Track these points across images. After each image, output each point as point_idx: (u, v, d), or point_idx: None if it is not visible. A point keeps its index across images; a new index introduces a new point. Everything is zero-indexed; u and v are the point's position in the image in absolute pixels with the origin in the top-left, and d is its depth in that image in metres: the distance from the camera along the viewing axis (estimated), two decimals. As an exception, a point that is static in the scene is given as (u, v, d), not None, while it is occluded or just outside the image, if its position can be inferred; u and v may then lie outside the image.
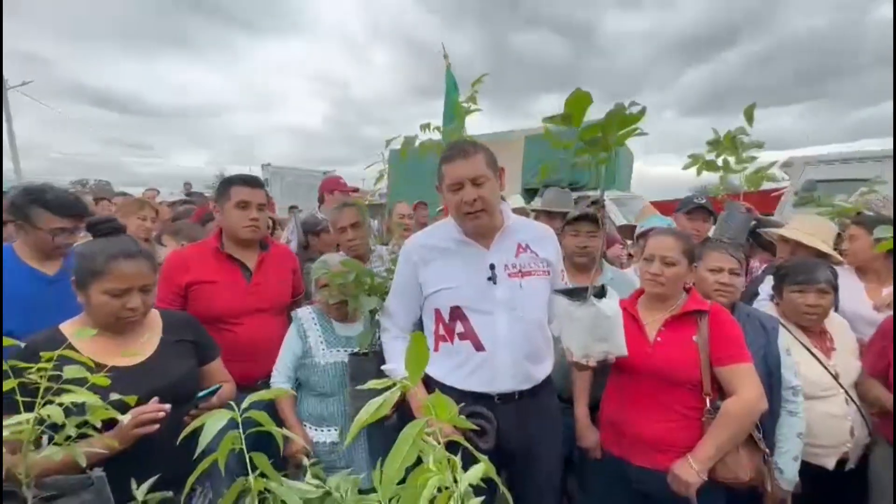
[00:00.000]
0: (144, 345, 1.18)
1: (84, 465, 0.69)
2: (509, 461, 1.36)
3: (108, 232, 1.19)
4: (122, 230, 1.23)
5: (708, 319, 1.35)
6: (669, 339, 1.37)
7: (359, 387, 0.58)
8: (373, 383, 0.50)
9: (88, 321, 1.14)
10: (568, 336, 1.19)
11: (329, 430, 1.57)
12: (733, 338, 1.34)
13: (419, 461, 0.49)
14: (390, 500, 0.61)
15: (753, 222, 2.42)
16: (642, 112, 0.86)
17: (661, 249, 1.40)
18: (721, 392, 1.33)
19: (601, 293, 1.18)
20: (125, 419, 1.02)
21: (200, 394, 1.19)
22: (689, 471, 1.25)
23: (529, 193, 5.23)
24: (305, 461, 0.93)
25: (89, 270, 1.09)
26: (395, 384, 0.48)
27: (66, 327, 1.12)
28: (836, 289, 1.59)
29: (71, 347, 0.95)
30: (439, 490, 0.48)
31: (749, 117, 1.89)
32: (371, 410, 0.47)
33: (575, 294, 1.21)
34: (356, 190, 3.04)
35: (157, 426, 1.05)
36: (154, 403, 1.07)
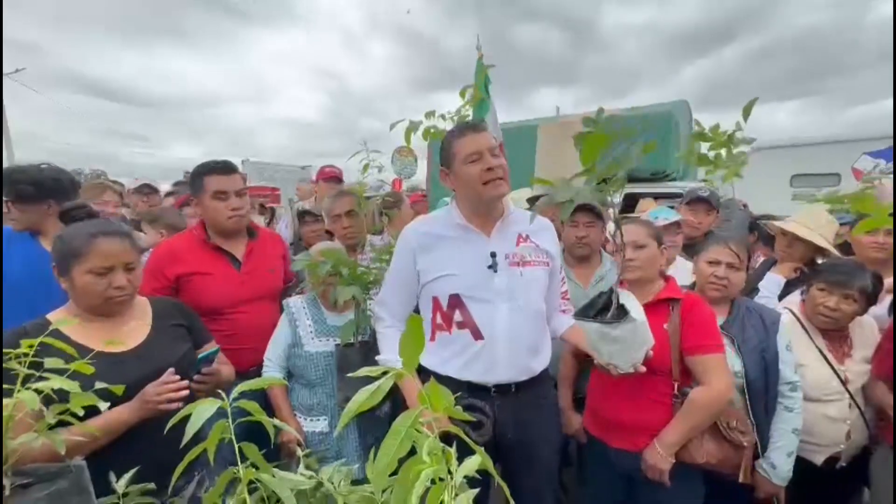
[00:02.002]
0: (135, 331, 1.15)
1: (63, 452, 0.68)
2: (506, 454, 1.36)
3: (81, 218, 1.16)
4: (95, 215, 1.20)
5: (679, 308, 1.37)
6: None
7: (349, 374, 0.57)
8: (365, 370, 0.47)
9: (75, 309, 1.11)
10: (609, 354, 1.19)
11: (319, 420, 1.56)
12: (705, 327, 1.35)
13: (413, 452, 0.48)
14: (383, 492, 0.60)
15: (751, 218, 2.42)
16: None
17: (630, 236, 1.43)
18: (688, 378, 1.35)
19: (609, 298, 1.17)
20: (149, 387, 1.05)
21: (201, 355, 1.17)
22: (658, 456, 1.30)
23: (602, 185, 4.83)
24: (299, 451, 0.91)
25: (69, 252, 1.06)
26: (387, 372, 0.46)
27: (54, 316, 1.10)
28: (870, 298, 1.53)
29: (58, 335, 0.92)
30: (434, 482, 0.46)
31: (747, 114, 1.90)
32: (362, 399, 0.45)
33: (588, 311, 1.22)
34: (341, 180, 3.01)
35: (178, 404, 1.05)
36: (171, 377, 1.07)
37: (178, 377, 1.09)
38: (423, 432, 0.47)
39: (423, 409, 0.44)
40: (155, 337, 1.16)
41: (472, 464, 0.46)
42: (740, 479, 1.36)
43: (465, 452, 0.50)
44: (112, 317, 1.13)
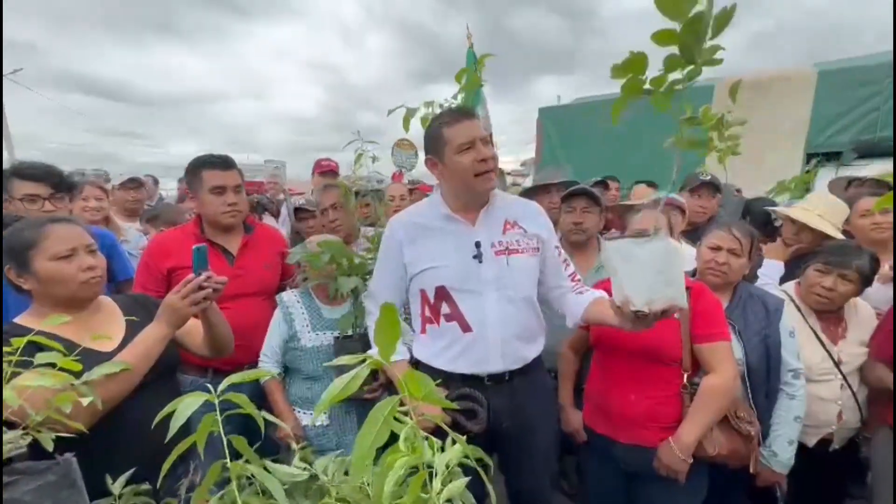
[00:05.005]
0: (113, 328, 1.13)
1: (50, 449, 0.67)
2: (502, 443, 1.35)
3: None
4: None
5: (691, 297, 1.34)
6: None
7: (327, 364, 0.56)
8: (342, 359, 0.46)
9: (43, 309, 1.05)
10: (627, 282, 1.00)
11: (319, 414, 1.56)
12: (714, 315, 1.34)
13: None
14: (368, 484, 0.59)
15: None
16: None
17: (649, 223, 1.41)
18: (697, 367, 1.34)
19: None
20: (170, 297, 1.06)
21: (195, 247, 1.12)
22: (674, 457, 1.26)
23: (817, 158, 3.13)
24: (294, 446, 0.91)
25: (25, 245, 1.00)
26: (365, 360, 0.45)
27: (24, 320, 1.04)
28: (866, 279, 1.53)
29: (43, 334, 0.91)
30: (419, 470, 0.45)
31: (734, 96, 1.89)
32: (339, 387, 0.44)
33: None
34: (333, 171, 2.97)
35: (208, 303, 1.10)
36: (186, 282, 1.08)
37: (193, 276, 1.09)
38: (404, 421, 0.46)
39: (400, 398, 0.43)
40: (132, 334, 1.12)
41: (455, 453, 0.46)
42: (752, 470, 1.35)
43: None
44: (84, 309, 1.09)
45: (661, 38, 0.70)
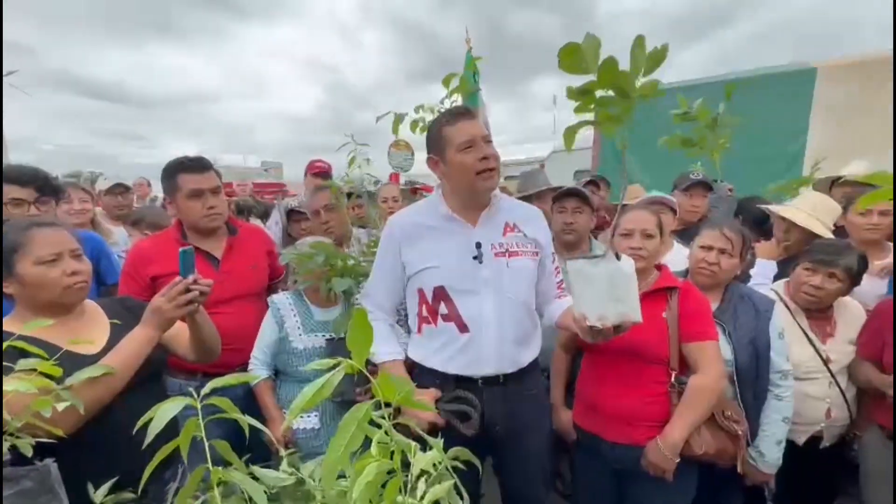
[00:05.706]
0: (97, 332, 1.11)
1: (29, 455, 0.67)
2: (496, 445, 1.35)
3: None
4: None
5: (678, 296, 1.36)
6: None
7: (303, 367, 0.56)
8: (314, 364, 0.46)
9: (26, 313, 1.04)
10: (582, 299, 1.09)
11: (309, 417, 1.55)
12: (702, 315, 1.35)
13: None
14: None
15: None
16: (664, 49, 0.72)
17: (639, 223, 1.40)
18: (685, 367, 1.34)
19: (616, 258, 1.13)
20: (157, 300, 1.06)
21: (182, 249, 1.12)
22: (661, 456, 1.26)
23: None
24: (282, 451, 0.90)
25: (8, 248, 1.00)
26: (338, 364, 0.45)
27: (5, 324, 1.01)
28: (854, 278, 1.54)
29: (24, 338, 0.89)
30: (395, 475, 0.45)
31: (729, 95, 1.93)
32: (311, 393, 0.44)
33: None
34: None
35: (195, 306, 1.09)
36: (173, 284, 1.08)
37: (180, 279, 1.08)
38: (382, 425, 0.45)
39: (375, 402, 0.42)
40: (117, 337, 1.10)
41: (429, 458, 0.45)
42: (739, 469, 1.35)
43: (454, 444, 0.49)
44: (68, 314, 1.08)
45: (572, 94, 0.77)
